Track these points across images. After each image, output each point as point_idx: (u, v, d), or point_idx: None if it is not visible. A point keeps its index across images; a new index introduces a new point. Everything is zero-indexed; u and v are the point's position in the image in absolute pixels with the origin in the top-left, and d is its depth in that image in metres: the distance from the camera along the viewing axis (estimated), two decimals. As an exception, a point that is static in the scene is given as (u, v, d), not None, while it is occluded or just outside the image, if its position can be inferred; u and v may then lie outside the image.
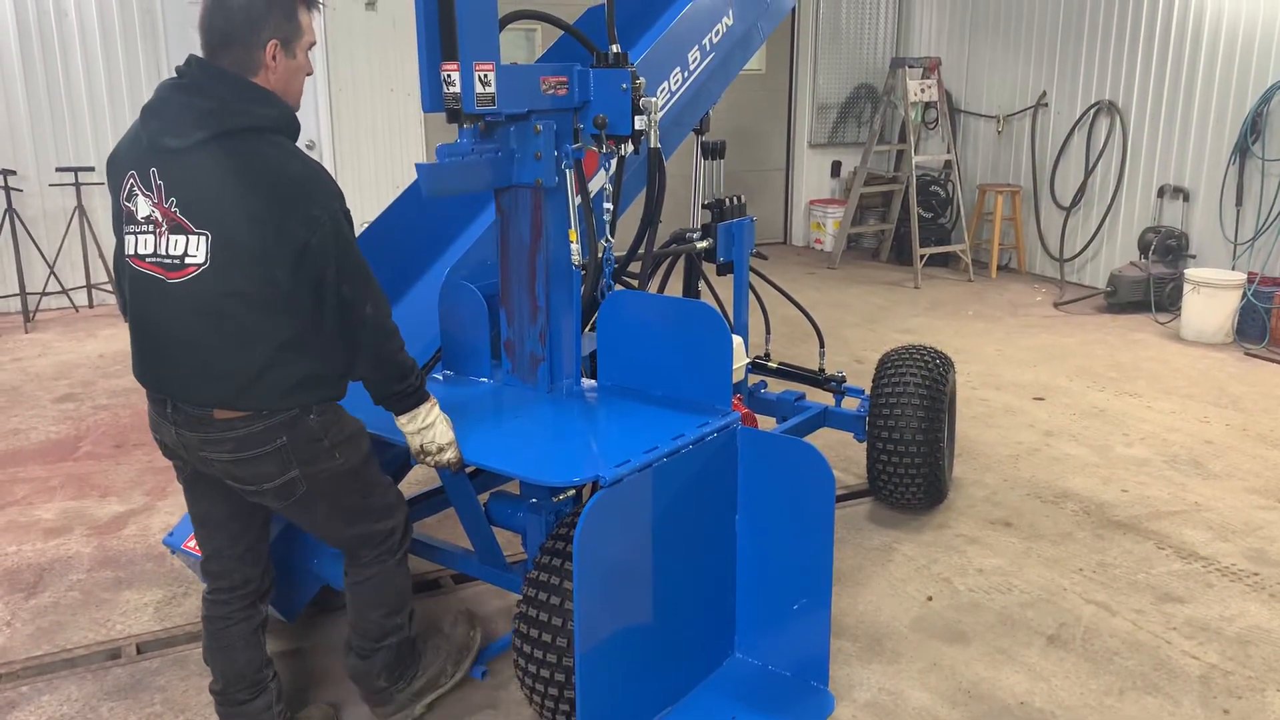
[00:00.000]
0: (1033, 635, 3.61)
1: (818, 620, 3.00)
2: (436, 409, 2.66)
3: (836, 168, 11.19)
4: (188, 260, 2.36)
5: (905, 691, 3.28)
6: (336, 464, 2.59)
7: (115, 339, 7.34)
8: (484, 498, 3.30)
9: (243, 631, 2.78)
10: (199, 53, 2.44)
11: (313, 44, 2.49)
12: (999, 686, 3.31)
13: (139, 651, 3.50)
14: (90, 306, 8.14)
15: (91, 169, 7.91)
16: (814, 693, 3.02)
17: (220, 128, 2.32)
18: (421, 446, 2.66)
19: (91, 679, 3.33)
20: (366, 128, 8.80)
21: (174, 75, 2.43)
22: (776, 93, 10.99)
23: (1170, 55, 8.28)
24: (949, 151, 9.89)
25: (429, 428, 2.64)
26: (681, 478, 2.83)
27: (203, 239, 2.34)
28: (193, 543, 3.26)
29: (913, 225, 9.44)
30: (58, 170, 7.81)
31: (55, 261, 7.84)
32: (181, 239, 2.35)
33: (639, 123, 3.13)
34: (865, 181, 9.99)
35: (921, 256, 9.39)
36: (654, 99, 3.12)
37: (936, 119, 10.15)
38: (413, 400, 2.61)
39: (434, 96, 2.91)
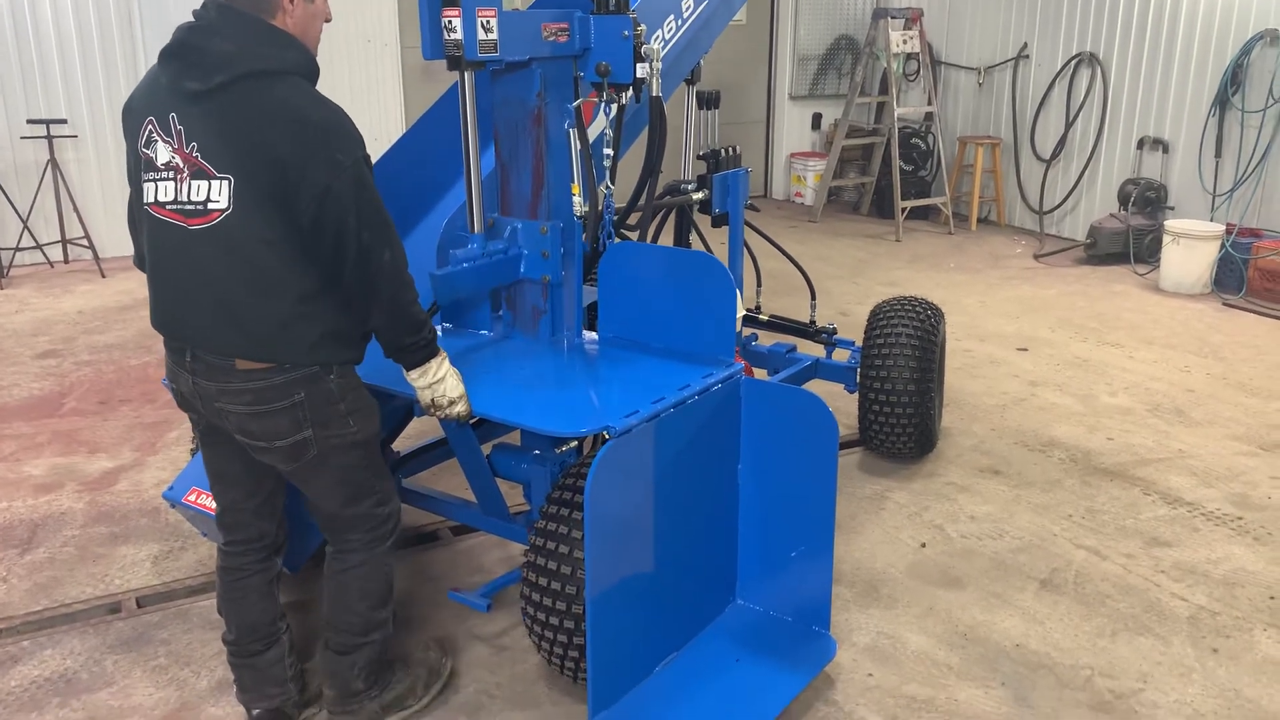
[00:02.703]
0: (1026, 580, 3.68)
1: (820, 566, 3.04)
2: (447, 362, 2.65)
3: (817, 120, 11.14)
4: (210, 205, 2.32)
5: (903, 635, 3.34)
6: (349, 431, 2.57)
7: (94, 295, 7.24)
8: (485, 449, 3.31)
9: (257, 584, 2.78)
10: None
11: None
12: (995, 630, 3.37)
13: (139, 605, 3.50)
14: (65, 262, 8.00)
15: (64, 121, 7.74)
16: (816, 637, 3.07)
17: (241, 70, 2.28)
18: (433, 400, 2.65)
19: (93, 633, 3.33)
20: (343, 81, 8.57)
21: (190, 19, 2.38)
22: (757, 44, 10.90)
23: (1151, 6, 8.28)
24: (930, 103, 9.88)
25: (440, 381, 2.62)
26: (687, 428, 2.84)
27: (225, 183, 2.31)
28: (193, 496, 3.26)
29: (894, 178, 9.44)
30: (29, 123, 7.64)
31: (29, 216, 7.69)
32: (204, 184, 2.32)
33: (640, 70, 3.10)
34: (846, 134, 9.96)
35: (903, 209, 9.41)
36: (655, 46, 3.09)
37: (918, 70, 10.12)
38: (425, 354, 2.58)
39: (434, 43, 2.86)
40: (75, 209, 7.78)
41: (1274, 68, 7.40)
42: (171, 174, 2.36)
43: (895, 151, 9.47)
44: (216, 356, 2.42)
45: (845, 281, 7.81)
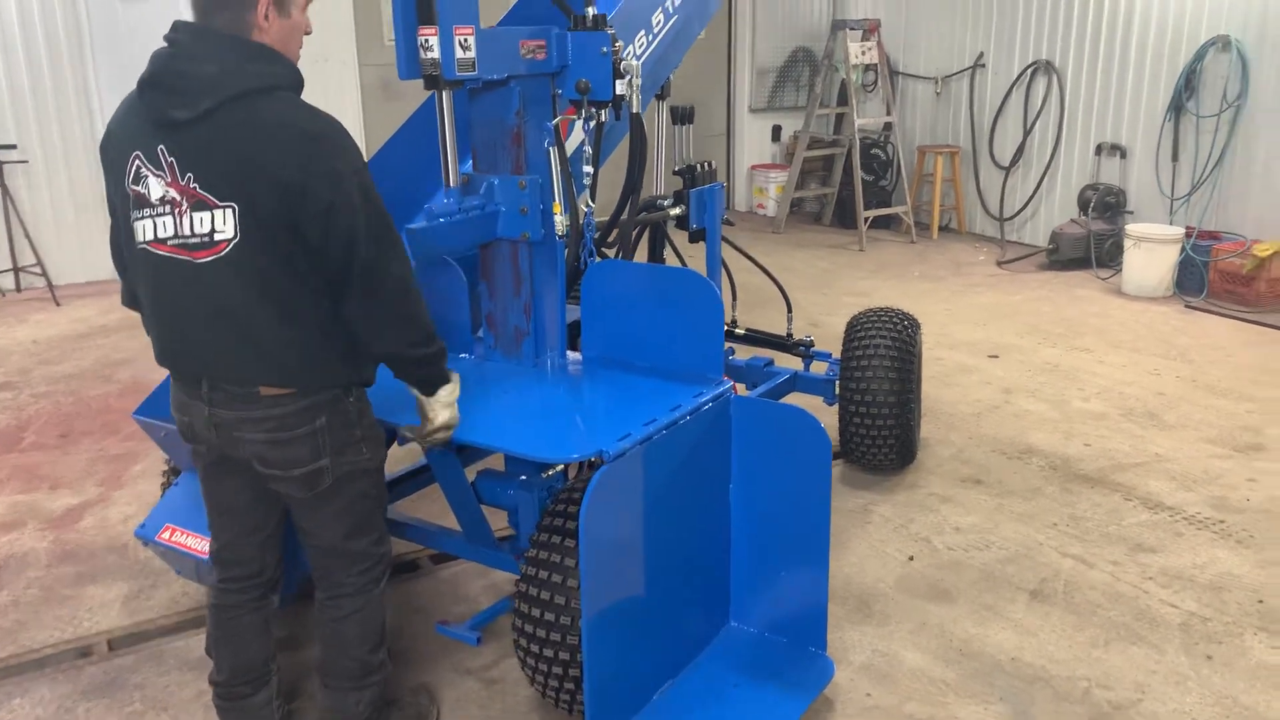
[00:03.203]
0: (1015, 591, 3.66)
1: (815, 585, 2.99)
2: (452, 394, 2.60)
3: (777, 132, 11.17)
4: (217, 236, 2.24)
5: (898, 653, 3.30)
6: (363, 459, 2.52)
7: (48, 324, 7.04)
8: (469, 475, 3.23)
9: (254, 622, 2.69)
10: (186, 17, 2.31)
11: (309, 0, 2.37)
12: (989, 643, 3.35)
13: (111, 648, 3.37)
14: (18, 290, 7.79)
15: (13, 146, 7.54)
16: (813, 658, 3.02)
17: (229, 93, 2.19)
18: (447, 421, 2.59)
19: (64, 679, 3.20)
20: (301, 99, 8.45)
21: (164, 45, 2.29)
22: (716, 58, 10.92)
23: (1105, 14, 8.39)
24: (889, 113, 9.94)
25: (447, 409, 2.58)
26: (680, 449, 2.79)
27: (229, 211, 2.22)
28: (168, 534, 3.15)
29: (856, 188, 9.48)
30: (-24, 149, 7.44)
31: (-23, 245, 7.49)
32: (207, 215, 2.23)
33: (620, 87, 3.06)
34: (807, 145, 9.99)
35: (866, 219, 9.45)
36: (635, 63, 3.05)
37: (875, 81, 10.18)
38: (440, 366, 2.53)
39: (410, 63, 2.79)
40: (27, 235, 7.59)
41: (1226, 73, 7.52)
42: (168, 209, 2.27)
43: (857, 162, 9.51)
44: (239, 385, 2.35)
45: (812, 292, 7.80)
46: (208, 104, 2.18)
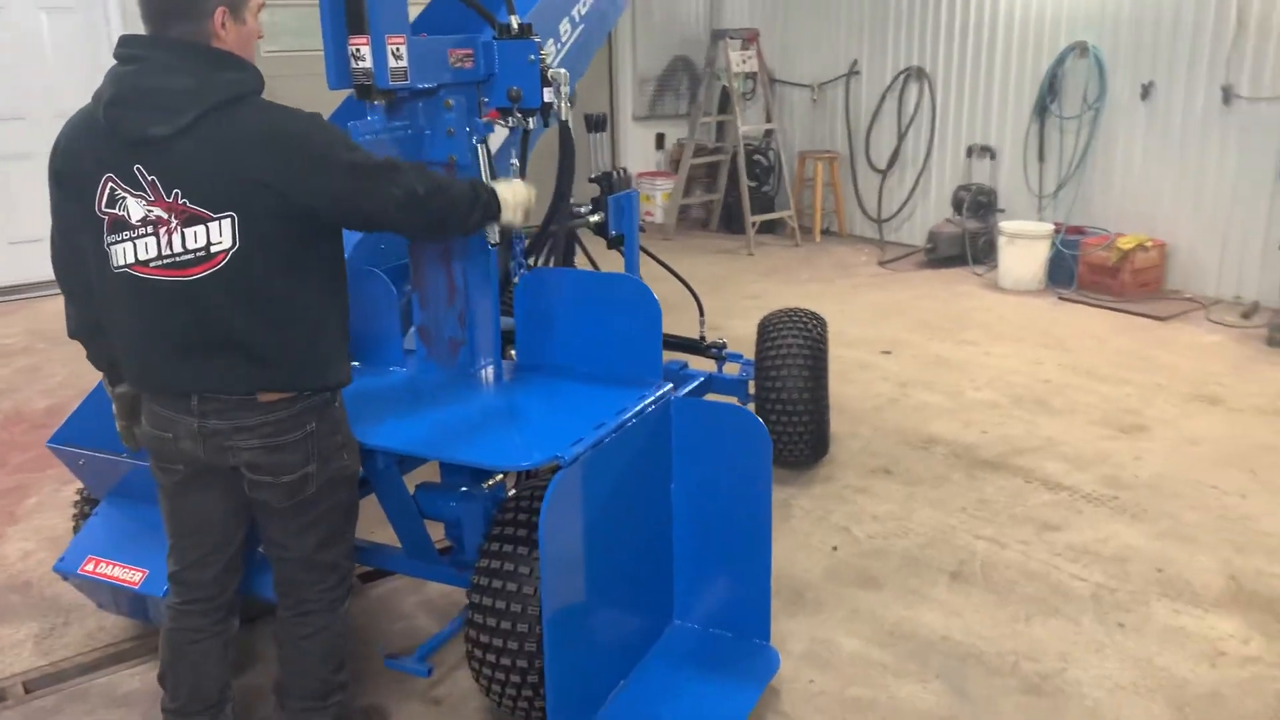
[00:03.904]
0: (937, 574, 3.81)
1: (758, 579, 3.06)
2: (504, 186, 2.80)
3: (660, 140, 11.31)
4: (214, 249, 2.20)
5: (835, 639, 3.41)
6: (343, 465, 2.52)
7: (-91, 356, 6.61)
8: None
9: (214, 646, 2.60)
10: (140, 29, 2.26)
11: (262, 5, 2.33)
12: (919, 625, 3.48)
13: (27, 691, 3.21)
14: None
15: None
16: (759, 650, 3.09)
17: (208, 103, 2.16)
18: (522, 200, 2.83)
19: (-21, 727, 3.03)
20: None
21: (118, 61, 2.21)
22: (598, 67, 10.98)
23: (972, 22, 8.79)
24: (769, 120, 10.18)
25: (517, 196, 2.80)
26: (627, 451, 2.83)
27: (227, 221, 2.20)
28: (91, 565, 3.03)
29: (743, 194, 9.68)
30: None
31: None
32: (201, 229, 2.20)
33: (548, 95, 3.08)
34: (693, 153, 10.15)
35: (753, 224, 9.65)
36: (563, 71, 3.08)
37: (754, 89, 10.41)
38: (490, 201, 2.70)
39: (340, 72, 2.77)
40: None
41: (1085, 77, 7.98)
42: (151, 229, 2.21)
43: (743, 168, 9.71)
44: (236, 395, 2.32)
45: (708, 297, 7.77)
46: (189, 118, 2.15)
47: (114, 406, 2.69)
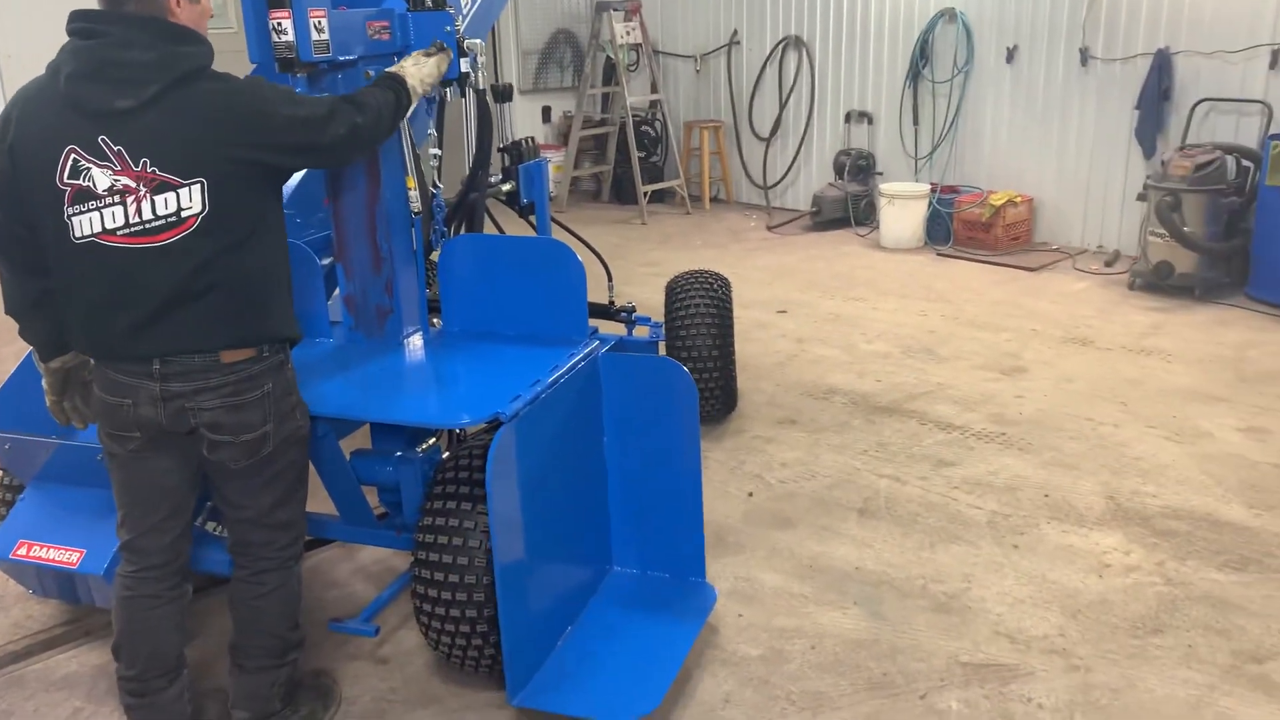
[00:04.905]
0: (846, 511, 4.06)
1: (691, 519, 3.23)
2: (410, 64, 2.92)
3: (547, 113, 11.35)
4: (184, 213, 2.27)
5: (758, 576, 3.61)
6: (297, 425, 2.61)
7: None
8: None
9: (170, 612, 2.63)
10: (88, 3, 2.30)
11: None
12: (834, 558, 3.72)
13: (-40, 682, 3.16)
14: None
15: None
16: (696, 587, 3.26)
17: (171, 76, 2.24)
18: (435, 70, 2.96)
19: (-85, 720, 2.99)
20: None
21: (74, 35, 2.24)
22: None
23: (846, -9, 9.11)
24: (655, 91, 10.33)
25: (420, 67, 2.91)
26: (562, 406, 2.95)
27: (196, 187, 2.28)
28: (24, 549, 3.01)
29: (633, 164, 9.82)
30: None
31: None
32: (171, 195, 2.27)
33: (464, 65, 3.15)
34: (581, 125, 10.24)
35: (645, 194, 9.81)
36: (479, 41, 3.15)
37: (637, 60, 10.55)
38: (396, 84, 2.81)
39: (262, 46, 2.80)
40: None
41: (954, 42, 8.36)
42: (117, 198, 2.26)
43: (632, 139, 9.84)
44: (200, 356, 2.39)
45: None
46: (153, 90, 2.22)
47: (45, 381, 2.69)
